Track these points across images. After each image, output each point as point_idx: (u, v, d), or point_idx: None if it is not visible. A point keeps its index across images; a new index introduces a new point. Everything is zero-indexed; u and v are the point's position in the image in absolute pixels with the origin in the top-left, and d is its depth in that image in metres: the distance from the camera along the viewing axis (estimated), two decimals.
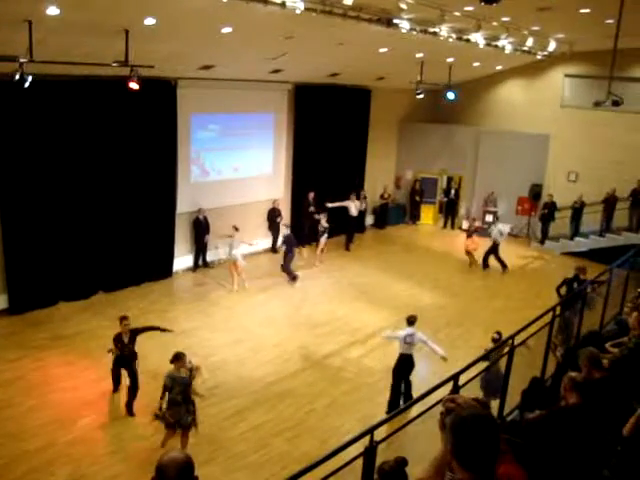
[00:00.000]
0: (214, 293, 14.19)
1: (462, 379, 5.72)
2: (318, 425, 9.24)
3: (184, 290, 14.74)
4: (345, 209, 18.30)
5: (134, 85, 10.19)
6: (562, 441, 3.87)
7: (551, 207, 19.24)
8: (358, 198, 18.88)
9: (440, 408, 2.66)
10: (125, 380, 9.39)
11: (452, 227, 22.03)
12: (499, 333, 9.26)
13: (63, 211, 12.76)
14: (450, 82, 16.44)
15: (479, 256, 17.37)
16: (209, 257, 16.03)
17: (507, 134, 20.64)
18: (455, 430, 2.28)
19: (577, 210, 18.86)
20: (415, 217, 22.52)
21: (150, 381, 9.40)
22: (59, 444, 8.36)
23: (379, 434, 4.59)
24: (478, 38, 13.33)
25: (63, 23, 8.63)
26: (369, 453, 4.44)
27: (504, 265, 17.17)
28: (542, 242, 19.67)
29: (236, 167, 16.83)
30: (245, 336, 12.16)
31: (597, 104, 11.14)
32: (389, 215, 21.84)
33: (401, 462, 4.57)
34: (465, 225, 21.72)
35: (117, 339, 9.08)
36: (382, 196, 21.46)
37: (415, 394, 9.39)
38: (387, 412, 9.24)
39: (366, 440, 4.48)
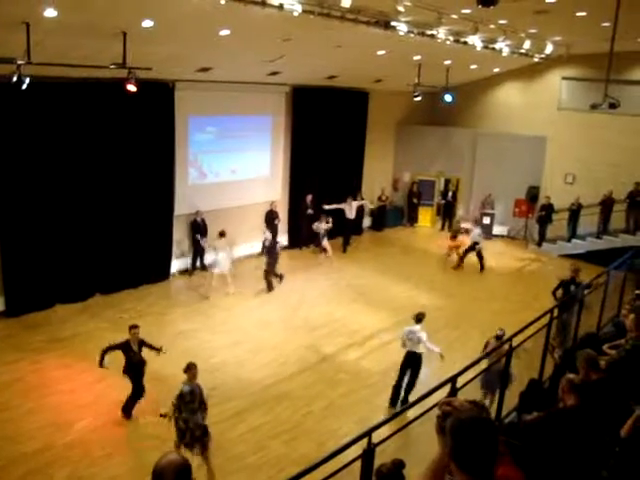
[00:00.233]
0: (212, 295, 14.16)
1: (460, 381, 5.72)
2: (316, 427, 9.23)
3: (182, 292, 14.72)
4: (341, 212, 18.30)
5: (132, 87, 10.18)
6: (560, 443, 3.87)
7: (548, 209, 19.28)
8: (355, 199, 18.87)
9: (437, 411, 2.66)
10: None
11: (450, 229, 22.03)
12: (502, 330, 9.35)
13: (60, 213, 12.74)
14: (447, 84, 16.46)
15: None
16: (207, 259, 16.01)
17: (504, 136, 20.68)
18: (454, 433, 2.28)
19: (574, 212, 18.90)
20: (413, 219, 22.54)
21: (149, 384, 9.36)
22: (57, 446, 8.34)
23: (377, 436, 4.59)
24: (475, 41, 13.35)
25: (61, 25, 8.63)
26: (367, 455, 4.43)
27: (482, 266, 17.41)
28: (539, 244, 19.71)
29: (234, 169, 16.83)
30: (243, 338, 12.15)
31: (594, 107, 11.16)
32: (387, 217, 21.85)
33: (399, 464, 4.57)
34: (463, 226, 21.79)
35: (126, 347, 8.91)
36: (380, 198, 21.47)
37: (413, 396, 9.41)
38: (389, 406, 9.69)
39: (364, 442, 4.48)
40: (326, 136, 18.83)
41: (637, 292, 8.72)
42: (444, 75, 16.30)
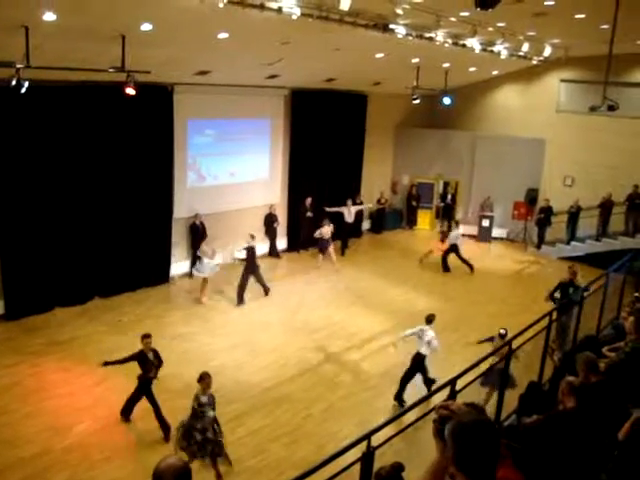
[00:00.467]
0: (211, 298, 14.15)
1: (459, 384, 5.72)
2: (315, 430, 9.22)
3: (181, 295, 14.70)
4: (340, 215, 18.31)
5: (131, 91, 10.20)
6: (560, 445, 3.87)
7: (547, 212, 19.28)
8: (354, 204, 18.89)
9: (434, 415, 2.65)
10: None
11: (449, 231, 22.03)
12: (505, 329, 9.57)
13: (59, 216, 12.74)
14: (446, 87, 16.49)
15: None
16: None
17: (503, 139, 20.70)
18: (456, 436, 2.28)
19: (573, 215, 18.92)
20: (412, 222, 22.53)
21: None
22: (55, 450, 8.33)
23: (377, 439, 4.58)
24: (474, 43, 13.37)
25: (60, 29, 8.63)
26: (367, 458, 4.42)
27: (470, 266, 17.46)
28: (538, 247, 19.71)
29: (233, 172, 16.83)
30: (243, 341, 12.14)
31: (593, 109, 11.19)
32: (386, 220, 21.85)
33: (398, 467, 4.56)
34: (461, 230, 21.78)
35: (141, 357, 8.72)
36: (379, 201, 21.47)
37: (412, 399, 9.41)
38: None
39: (363, 445, 4.47)
40: (325, 139, 18.83)
41: (636, 295, 8.71)
42: (443, 78, 16.33)
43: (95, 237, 13.39)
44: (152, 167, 14.28)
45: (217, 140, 16.27)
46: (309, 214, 18.07)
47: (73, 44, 9.52)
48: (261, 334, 12.55)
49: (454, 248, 17.45)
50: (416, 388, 9.93)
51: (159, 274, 14.93)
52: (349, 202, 18.64)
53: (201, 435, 7.56)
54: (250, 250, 14.08)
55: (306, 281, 15.98)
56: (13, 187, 11.94)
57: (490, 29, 12.56)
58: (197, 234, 15.45)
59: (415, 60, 14.93)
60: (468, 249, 20.21)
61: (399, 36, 11.34)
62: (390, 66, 15.41)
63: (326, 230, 16.80)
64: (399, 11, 9.99)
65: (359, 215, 19.64)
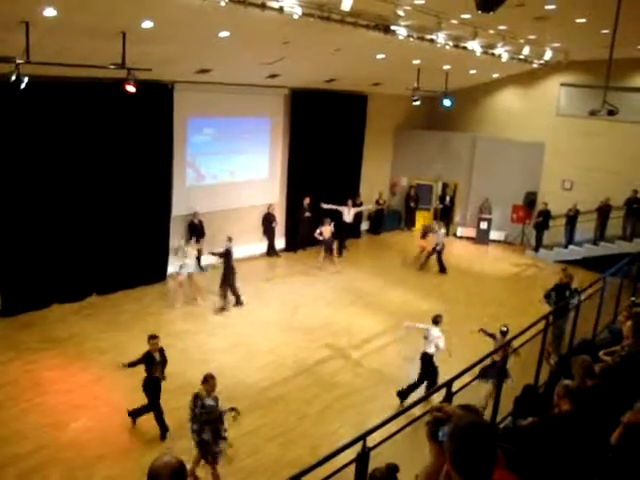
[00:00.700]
0: (208, 297, 14.13)
1: (456, 385, 5.73)
2: (311, 431, 9.21)
3: (178, 293, 14.66)
4: (339, 214, 18.32)
5: (131, 88, 10.18)
6: (555, 448, 3.87)
7: (545, 215, 19.30)
8: (354, 205, 18.90)
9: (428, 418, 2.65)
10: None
11: (447, 234, 22.00)
12: (506, 326, 9.79)
13: (57, 213, 12.72)
14: (446, 89, 16.49)
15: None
16: (203, 261, 15.98)
17: (503, 142, 20.72)
18: (455, 439, 2.28)
19: (571, 218, 18.93)
20: (410, 223, 22.54)
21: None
22: (50, 447, 8.31)
23: (372, 440, 4.58)
24: (475, 46, 13.39)
25: (60, 25, 8.62)
26: (361, 459, 4.42)
27: (443, 268, 17.58)
28: (536, 250, 19.72)
29: (232, 171, 16.83)
30: (240, 340, 12.14)
31: (592, 113, 11.17)
32: (384, 221, 21.86)
33: (392, 469, 4.56)
34: (459, 232, 21.83)
35: (148, 359, 8.61)
36: (377, 202, 21.47)
37: (410, 400, 9.42)
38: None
39: (359, 446, 4.47)
40: (324, 139, 18.84)
41: (633, 299, 8.73)
42: (443, 80, 16.33)
43: (93, 234, 13.37)
44: (151, 165, 14.27)
45: (216, 139, 16.27)
46: (307, 214, 18.07)
47: (73, 40, 9.52)
48: (258, 334, 12.54)
49: (441, 247, 17.54)
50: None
51: (157, 272, 14.91)
52: (349, 202, 18.65)
53: (197, 437, 7.53)
54: (227, 253, 13.49)
55: (304, 281, 15.98)
56: (11, 183, 11.92)
57: (491, 32, 12.58)
58: (195, 232, 15.45)
59: (416, 61, 14.94)
60: (466, 251, 20.31)
61: (400, 37, 11.35)
62: (391, 67, 15.42)
63: (326, 229, 16.81)
64: (400, 12, 10.00)
65: (358, 216, 19.64)
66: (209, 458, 7.54)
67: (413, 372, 10.49)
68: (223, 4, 8.32)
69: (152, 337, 8.75)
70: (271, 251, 17.92)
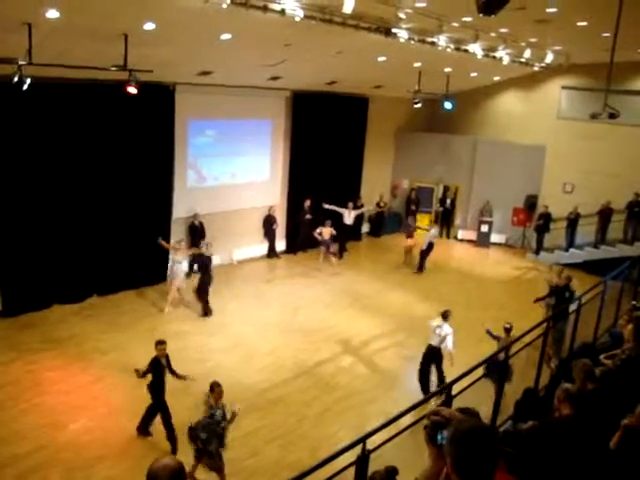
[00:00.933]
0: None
1: (456, 388, 5.72)
2: (310, 433, 9.21)
3: (178, 295, 14.66)
4: (339, 217, 18.32)
5: (132, 89, 10.18)
6: (555, 452, 3.87)
7: (546, 218, 19.30)
8: (355, 207, 18.91)
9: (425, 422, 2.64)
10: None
11: (447, 237, 22.06)
12: (510, 323, 10.09)
13: (59, 214, 12.73)
14: (448, 92, 16.50)
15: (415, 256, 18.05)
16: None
17: (503, 145, 20.72)
18: (456, 443, 2.27)
19: (572, 221, 18.92)
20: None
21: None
22: (50, 448, 8.31)
23: (372, 443, 4.57)
24: (476, 49, 13.39)
25: (62, 26, 8.63)
26: (361, 462, 4.41)
27: (422, 267, 17.67)
28: (537, 253, 19.70)
29: (233, 173, 16.84)
30: (239, 342, 12.13)
31: (594, 116, 11.18)
32: (385, 223, 21.86)
33: (392, 471, 4.56)
34: (460, 235, 21.82)
35: (156, 365, 8.43)
36: (378, 204, 21.48)
37: (409, 403, 9.39)
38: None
39: (358, 449, 4.46)
40: (325, 141, 18.85)
41: (633, 303, 8.72)
42: (444, 82, 16.33)
43: (94, 235, 13.38)
44: (152, 166, 14.28)
45: (218, 141, 16.28)
46: (308, 216, 18.08)
47: (75, 42, 9.53)
48: (258, 335, 12.54)
49: (431, 247, 17.59)
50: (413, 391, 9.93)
51: (157, 273, 14.89)
52: (350, 205, 18.66)
53: (202, 445, 7.49)
54: (206, 260, 13.16)
55: (304, 283, 15.98)
56: (13, 183, 11.93)
57: (492, 35, 12.59)
58: (196, 234, 15.46)
59: (417, 64, 14.94)
60: (466, 254, 20.30)
61: (401, 40, 11.36)
62: (392, 70, 15.43)
63: (326, 230, 16.81)
64: (402, 15, 10.01)
65: (359, 218, 19.66)
66: (213, 470, 7.53)
67: (413, 374, 10.50)
68: (225, 6, 8.32)
69: (159, 342, 8.55)
70: (271, 253, 17.93)
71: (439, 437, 2.47)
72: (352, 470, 4.43)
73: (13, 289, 12.39)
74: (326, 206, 17.91)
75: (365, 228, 21.56)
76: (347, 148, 19.88)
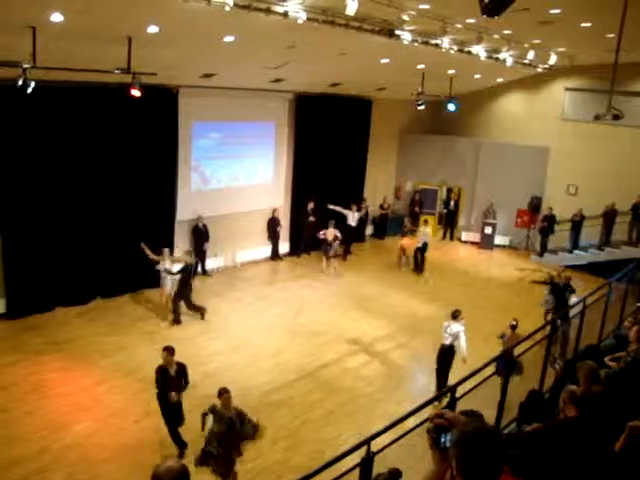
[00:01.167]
0: (212, 301, 14.12)
1: (460, 390, 5.71)
2: (314, 435, 9.19)
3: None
4: (343, 219, 18.32)
5: (136, 92, 10.21)
6: (560, 454, 3.85)
7: (550, 220, 19.25)
8: (359, 209, 18.91)
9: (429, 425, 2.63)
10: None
11: (451, 238, 22.03)
12: (516, 320, 10.25)
13: (62, 216, 12.76)
14: (451, 93, 16.48)
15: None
16: (208, 265, 16.02)
17: (507, 146, 20.68)
18: (461, 446, 2.26)
19: (576, 223, 18.87)
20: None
21: (142, 385, 9.33)
22: (53, 450, 8.32)
23: (376, 445, 4.56)
24: (479, 50, 13.39)
25: (66, 30, 8.65)
26: (366, 464, 4.40)
27: (419, 266, 17.74)
28: (541, 255, 19.65)
29: (236, 175, 16.86)
30: (243, 344, 12.13)
31: (597, 118, 11.15)
32: (388, 225, 21.83)
33: (395, 474, 4.55)
34: (464, 237, 21.79)
35: (162, 373, 8.08)
36: (382, 206, 21.48)
37: (412, 405, 9.37)
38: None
39: (363, 451, 4.45)
40: (329, 143, 18.85)
41: (638, 304, 8.69)
42: (448, 84, 16.33)
43: (98, 237, 13.40)
44: (156, 169, 14.29)
45: (221, 143, 16.30)
46: (312, 218, 18.07)
47: (79, 45, 9.55)
48: (261, 338, 12.54)
49: (425, 246, 17.63)
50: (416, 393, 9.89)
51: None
52: (354, 207, 18.67)
53: (216, 450, 7.44)
54: (187, 269, 12.76)
55: (307, 285, 15.97)
56: (17, 186, 11.97)
57: (496, 36, 12.57)
58: (200, 237, 15.47)
59: (420, 66, 14.94)
60: (470, 256, 20.26)
61: (405, 42, 11.35)
62: (395, 72, 15.42)
63: (330, 233, 16.81)
64: (405, 17, 10.00)
65: (363, 220, 19.66)
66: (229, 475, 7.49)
67: (418, 376, 10.48)
68: (228, 9, 8.33)
69: (165, 349, 8.17)
70: (275, 255, 17.93)
71: (442, 440, 2.46)
72: (357, 472, 4.42)
73: (17, 291, 12.42)
74: (331, 206, 17.94)
75: (369, 230, 21.55)
76: (350, 150, 19.87)
